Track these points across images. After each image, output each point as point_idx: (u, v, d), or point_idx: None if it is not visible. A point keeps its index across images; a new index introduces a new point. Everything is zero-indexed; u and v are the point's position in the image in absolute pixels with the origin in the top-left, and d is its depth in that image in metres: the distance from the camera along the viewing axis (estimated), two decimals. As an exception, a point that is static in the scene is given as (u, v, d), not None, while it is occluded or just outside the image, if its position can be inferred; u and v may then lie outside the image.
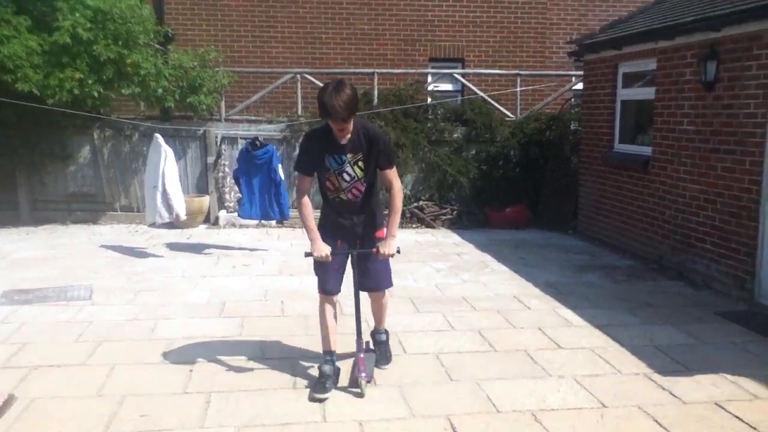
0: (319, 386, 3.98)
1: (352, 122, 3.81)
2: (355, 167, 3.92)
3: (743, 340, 5.02)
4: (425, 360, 4.57)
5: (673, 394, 4.07)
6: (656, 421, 3.72)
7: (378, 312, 4.43)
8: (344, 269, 4.14)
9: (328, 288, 4.07)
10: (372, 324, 4.57)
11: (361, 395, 3.97)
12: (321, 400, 3.88)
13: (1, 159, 9.41)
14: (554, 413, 3.81)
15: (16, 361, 4.42)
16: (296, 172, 4.07)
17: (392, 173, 4.01)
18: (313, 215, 3.99)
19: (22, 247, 8.13)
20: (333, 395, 3.97)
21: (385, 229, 4.10)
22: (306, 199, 3.97)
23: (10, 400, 3.22)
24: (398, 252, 4.07)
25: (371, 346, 4.43)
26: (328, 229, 4.06)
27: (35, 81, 8.21)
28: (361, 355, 4.04)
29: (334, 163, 3.91)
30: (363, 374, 4.00)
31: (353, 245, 4.09)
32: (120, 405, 3.79)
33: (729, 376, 4.32)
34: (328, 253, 3.91)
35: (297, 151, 10.09)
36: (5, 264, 7.20)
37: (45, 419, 3.62)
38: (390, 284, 4.28)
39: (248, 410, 3.76)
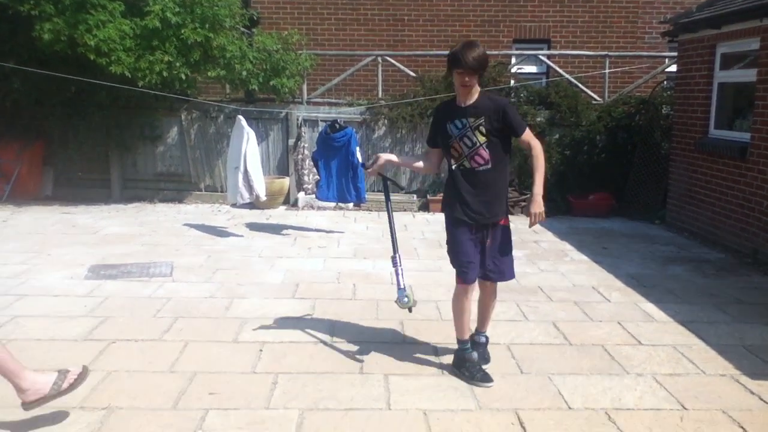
0: (483, 374, 3.97)
1: (476, 83, 3.78)
2: (476, 132, 3.81)
3: None
4: (496, 350, 4.43)
5: (762, 399, 3.79)
6: (742, 427, 3.47)
7: (485, 309, 4.22)
8: (479, 256, 3.97)
9: (465, 276, 3.93)
10: (445, 314, 4.47)
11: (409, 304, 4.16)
12: (490, 386, 3.90)
13: (95, 139, 9.87)
14: (630, 413, 3.62)
15: (97, 334, 4.62)
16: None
17: (528, 135, 3.87)
18: (413, 165, 4.26)
19: (112, 223, 8.51)
20: (397, 382, 3.93)
21: (507, 218, 4.00)
22: (424, 162, 4.17)
23: (84, 373, 3.35)
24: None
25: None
26: (456, 210, 3.91)
27: (127, 64, 8.51)
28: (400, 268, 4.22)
29: (454, 128, 3.85)
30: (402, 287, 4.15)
31: (482, 233, 3.92)
32: (190, 382, 3.89)
33: (827, 383, 3.99)
34: (374, 165, 4.14)
35: (376, 134, 10.11)
36: (95, 240, 7.55)
37: (118, 392, 3.74)
38: (510, 276, 4.15)
39: (313, 393, 3.77)
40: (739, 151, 7.22)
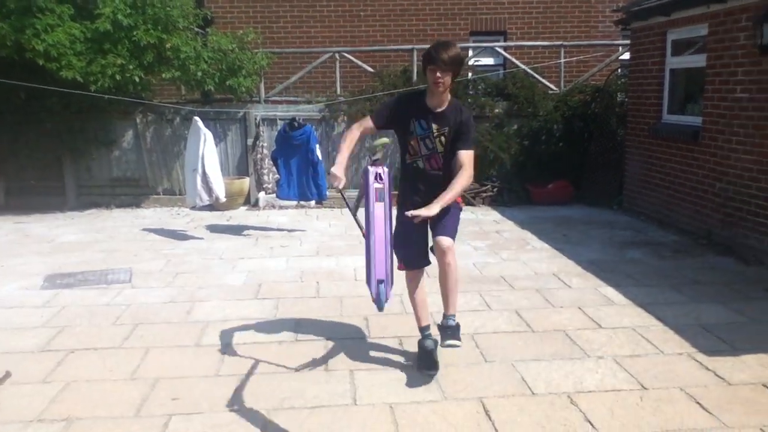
0: (429, 362, 3.96)
1: (449, 84, 3.70)
2: (437, 141, 3.83)
3: (797, 319, 4.77)
4: (460, 341, 4.47)
5: (718, 375, 3.88)
6: (699, 403, 3.56)
7: (448, 288, 3.93)
8: (423, 242, 3.97)
9: (406, 261, 4.00)
10: (408, 308, 4.45)
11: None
12: (432, 375, 3.90)
13: (48, 146, 9.62)
14: (591, 395, 3.68)
15: (55, 344, 4.51)
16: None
17: (467, 155, 3.78)
18: (353, 144, 3.85)
19: (67, 231, 8.32)
20: (363, 378, 3.93)
21: (459, 198, 3.96)
22: (356, 131, 3.88)
23: (5, 377, 3.30)
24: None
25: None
26: (405, 201, 3.94)
27: (79, 68, 8.32)
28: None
29: (419, 128, 3.83)
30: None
31: (425, 223, 3.81)
32: (152, 388, 3.83)
33: (779, 357, 4.11)
34: (339, 185, 3.64)
35: (336, 131, 10.07)
36: (50, 248, 7.37)
37: (77, 402, 3.66)
38: (452, 238, 3.88)
39: (278, 393, 3.74)
40: (692, 135, 7.38)
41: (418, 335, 4.17)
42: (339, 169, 3.69)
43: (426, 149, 3.86)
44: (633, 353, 4.23)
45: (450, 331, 3.93)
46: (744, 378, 3.84)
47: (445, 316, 3.98)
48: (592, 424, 3.37)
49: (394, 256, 3.81)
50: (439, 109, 3.80)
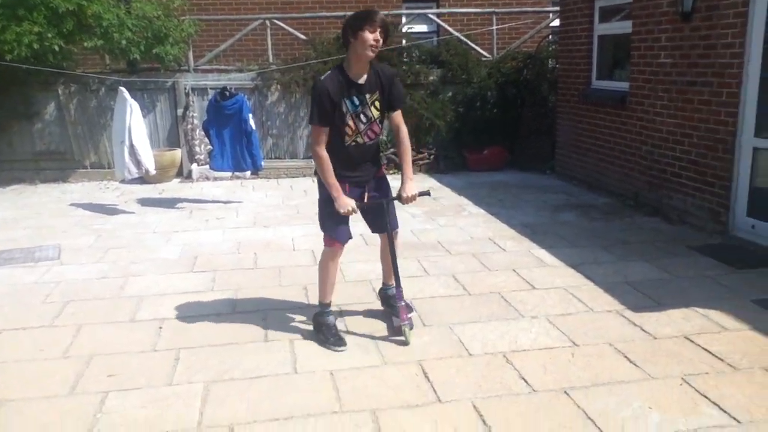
0: (336, 338, 3.96)
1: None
2: (372, 108, 3.79)
3: (716, 273, 5.03)
4: (398, 306, 4.53)
5: (644, 330, 4.07)
6: (626, 357, 3.73)
7: (390, 261, 4.18)
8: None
9: (343, 237, 3.96)
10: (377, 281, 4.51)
11: (406, 343, 3.93)
12: (342, 351, 3.88)
13: (-37, 119, 9.14)
14: (526, 354, 3.80)
15: (-19, 325, 4.35)
16: (312, 126, 3.77)
17: (401, 114, 3.96)
18: (332, 169, 3.73)
19: (-10, 209, 7.97)
20: (302, 347, 3.94)
21: (383, 168, 4.07)
22: (324, 153, 3.72)
23: None
24: (428, 194, 4.13)
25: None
26: (337, 176, 3.82)
27: (-9, 37, 7.90)
28: (402, 303, 4.01)
29: (351, 105, 3.72)
30: (406, 322, 3.98)
31: (363, 190, 3.96)
32: (87, 365, 3.74)
33: (700, 310, 4.33)
34: (354, 206, 3.78)
35: (269, 100, 9.90)
36: (-28, 227, 7.05)
37: (8, 383, 3.55)
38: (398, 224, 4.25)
39: (217, 365, 3.72)
40: (620, 99, 7.59)
41: (356, 304, 4.21)
42: (344, 197, 3.77)
43: (362, 123, 3.79)
44: (565, 312, 4.38)
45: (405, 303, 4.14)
46: (668, 332, 4.04)
47: (391, 287, 4.27)
48: (526, 381, 3.48)
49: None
50: (365, 77, 3.74)
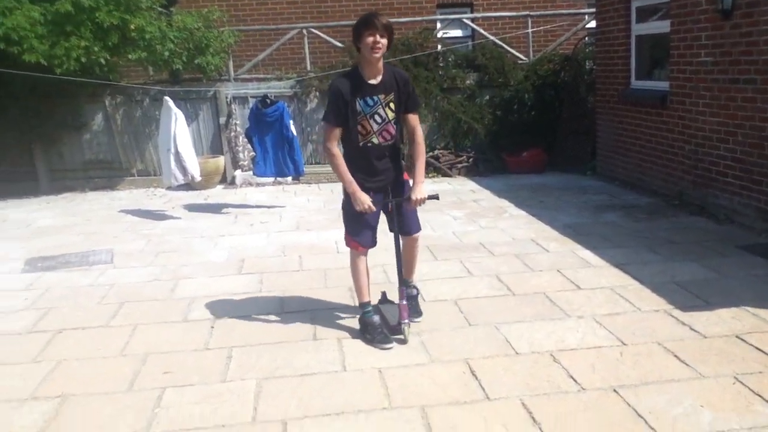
0: (382, 336, 4.00)
1: (386, 50, 3.78)
2: (387, 108, 3.88)
3: (766, 272, 4.95)
4: (444, 306, 4.57)
5: (693, 329, 4.03)
6: (676, 356, 3.70)
7: (411, 261, 4.34)
8: (378, 221, 4.08)
9: (366, 242, 4.03)
10: (392, 277, 4.55)
11: (404, 341, 3.99)
12: (390, 348, 3.93)
13: (15, 132, 9.47)
14: (573, 353, 3.80)
15: (42, 325, 4.51)
16: (324, 123, 3.94)
17: (417, 118, 4.04)
18: (345, 165, 3.88)
19: (43, 215, 8.23)
20: (351, 345, 4.00)
21: (405, 174, 4.12)
22: (336, 149, 3.89)
23: None
24: (437, 198, 4.17)
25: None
26: (358, 182, 3.93)
27: (42, 51, 8.17)
28: (404, 302, 4.07)
29: (364, 105, 3.84)
30: (406, 320, 4.03)
31: (385, 194, 4.03)
32: (143, 363, 3.86)
33: (750, 309, 4.27)
34: (371, 204, 3.87)
35: (308, 107, 10.05)
36: (28, 232, 7.30)
37: (70, 380, 3.69)
38: (420, 228, 4.28)
39: (269, 363, 3.80)
40: (660, 99, 7.52)
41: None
42: (360, 192, 3.85)
43: (377, 124, 3.88)
44: (612, 312, 4.37)
45: (414, 301, 4.35)
46: (718, 331, 4.00)
47: (408, 285, 4.31)
48: (574, 380, 3.49)
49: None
50: (379, 78, 3.85)
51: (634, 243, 5.88)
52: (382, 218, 4.15)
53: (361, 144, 3.91)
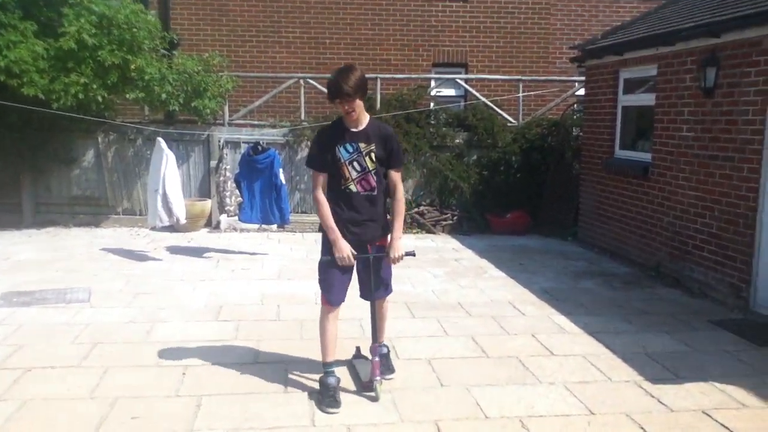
0: (330, 400, 3.91)
1: (361, 107, 3.85)
2: (367, 158, 3.93)
3: (736, 349, 5.02)
4: (417, 365, 4.60)
5: (661, 402, 4.08)
6: (642, 428, 3.73)
7: (381, 322, 4.27)
8: (350, 279, 4.08)
9: (334, 299, 4.00)
10: (368, 332, 4.55)
11: (375, 399, 4.00)
12: (334, 414, 3.84)
13: (6, 162, 9.51)
14: (542, 420, 3.83)
15: (11, 362, 4.48)
16: (310, 169, 4.05)
17: (399, 176, 4.09)
18: (331, 214, 3.92)
19: (24, 249, 8.21)
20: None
21: (388, 237, 4.10)
22: (322, 196, 3.94)
23: None
24: (413, 254, 4.15)
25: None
26: (340, 231, 3.94)
27: (41, 85, 8.31)
28: (377, 359, 4.07)
29: (344, 152, 3.90)
30: (378, 378, 4.04)
31: (363, 251, 4.03)
32: (112, 407, 3.84)
33: (719, 385, 4.33)
34: (350, 254, 3.89)
35: (299, 156, 10.17)
36: (7, 266, 7.28)
37: (34, 421, 3.67)
38: (391, 290, 4.29)
39: (238, 414, 3.80)
40: (642, 170, 7.71)
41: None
42: (342, 240, 3.89)
43: (356, 172, 3.93)
44: (582, 380, 4.41)
45: (386, 359, 4.35)
46: (686, 405, 4.04)
47: (380, 345, 4.23)
48: (542, 447, 3.51)
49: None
50: (361, 127, 3.93)
51: (609, 312, 5.95)
52: (354, 284, 4.12)
53: (341, 189, 3.95)
